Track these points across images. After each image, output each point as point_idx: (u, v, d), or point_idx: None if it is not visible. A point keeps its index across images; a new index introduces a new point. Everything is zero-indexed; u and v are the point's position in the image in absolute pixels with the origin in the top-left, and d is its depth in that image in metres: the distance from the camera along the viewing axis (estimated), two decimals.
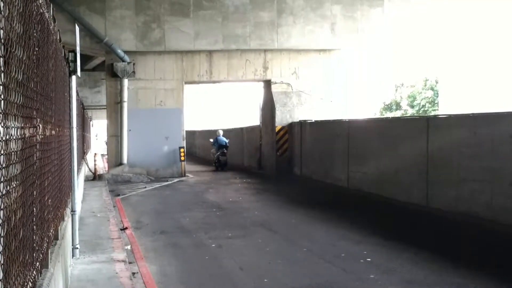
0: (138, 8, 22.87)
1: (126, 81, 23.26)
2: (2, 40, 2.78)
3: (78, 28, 9.34)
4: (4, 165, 2.80)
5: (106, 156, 26.23)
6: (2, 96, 2.78)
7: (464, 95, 39.09)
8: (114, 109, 23.65)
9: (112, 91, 23.70)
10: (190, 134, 41.67)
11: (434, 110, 49.63)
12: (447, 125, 13.29)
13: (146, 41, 23.05)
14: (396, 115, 49.76)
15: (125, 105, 23.30)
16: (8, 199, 2.95)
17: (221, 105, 61.24)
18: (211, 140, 29.80)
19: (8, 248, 2.96)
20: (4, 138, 2.79)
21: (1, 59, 2.76)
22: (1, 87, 2.74)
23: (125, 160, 23.49)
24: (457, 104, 38.35)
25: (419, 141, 14.03)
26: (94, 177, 23.08)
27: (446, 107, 40.95)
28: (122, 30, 22.81)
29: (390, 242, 10.24)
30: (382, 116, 48.16)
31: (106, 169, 25.77)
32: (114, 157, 23.79)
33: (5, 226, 2.87)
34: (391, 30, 23.83)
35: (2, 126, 2.73)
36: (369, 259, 8.96)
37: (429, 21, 23.78)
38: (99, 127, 52.80)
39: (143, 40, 23.02)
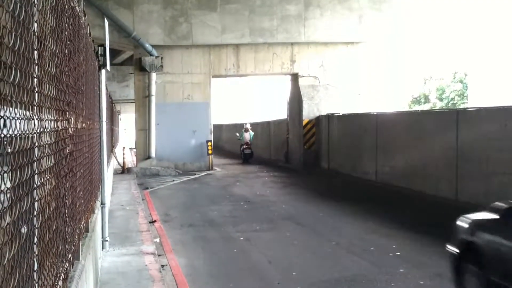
0: (165, 2, 22.96)
1: (154, 75, 23.39)
2: (36, 33, 2.81)
3: (107, 22, 9.41)
4: (38, 157, 2.83)
5: (135, 150, 26.41)
6: (36, 89, 2.81)
7: (494, 88, 38.44)
8: (142, 103, 23.82)
9: (140, 85, 23.87)
10: (217, 128, 41.75)
11: (463, 103, 48.98)
12: (477, 118, 13.11)
13: (174, 36, 23.14)
14: (425, 108, 49.21)
15: (153, 99, 23.42)
16: (42, 191, 2.99)
17: (247, 98, 61.20)
18: (237, 134, 31.17)
19: (42, 239, 3.00)
20: (38, 131, 2.82)
21: (35, 52, 2.78)
22: (35, 79, 2.77)
23: (153, 154, 23.64)
24: (487, 97, 37.72)
25: (449, 134, 13.86)
26: (123, 170, 23.32)
27: (475, 100, 40.35)
28: (149, 24, 22.93)
29: (419, 235, 10.15)
30: (410, 109, 47.65)
31: (135, 162, 26.00)
32: (142, 151, 23.99)
33: (40, 218, 2.91)
34: (419, 22, 23.58)
35: (36, 119, 2.76)
36: (398, 253, 8.89)
37: (458, 13, 23.47)
38: (127, 121, 53.21)
39: (171, 34, 23.11)
